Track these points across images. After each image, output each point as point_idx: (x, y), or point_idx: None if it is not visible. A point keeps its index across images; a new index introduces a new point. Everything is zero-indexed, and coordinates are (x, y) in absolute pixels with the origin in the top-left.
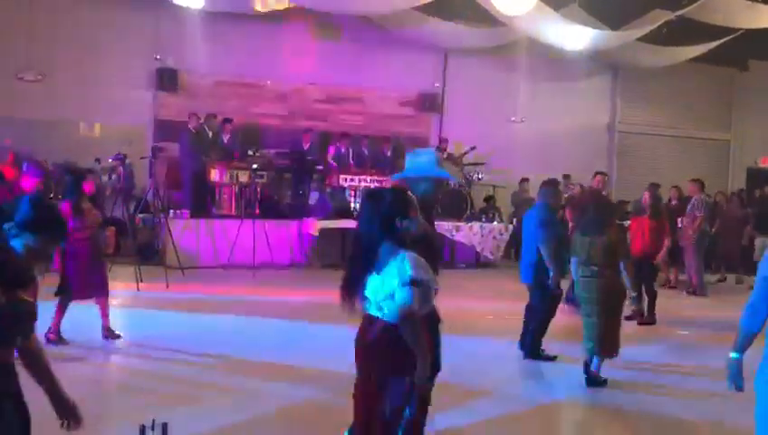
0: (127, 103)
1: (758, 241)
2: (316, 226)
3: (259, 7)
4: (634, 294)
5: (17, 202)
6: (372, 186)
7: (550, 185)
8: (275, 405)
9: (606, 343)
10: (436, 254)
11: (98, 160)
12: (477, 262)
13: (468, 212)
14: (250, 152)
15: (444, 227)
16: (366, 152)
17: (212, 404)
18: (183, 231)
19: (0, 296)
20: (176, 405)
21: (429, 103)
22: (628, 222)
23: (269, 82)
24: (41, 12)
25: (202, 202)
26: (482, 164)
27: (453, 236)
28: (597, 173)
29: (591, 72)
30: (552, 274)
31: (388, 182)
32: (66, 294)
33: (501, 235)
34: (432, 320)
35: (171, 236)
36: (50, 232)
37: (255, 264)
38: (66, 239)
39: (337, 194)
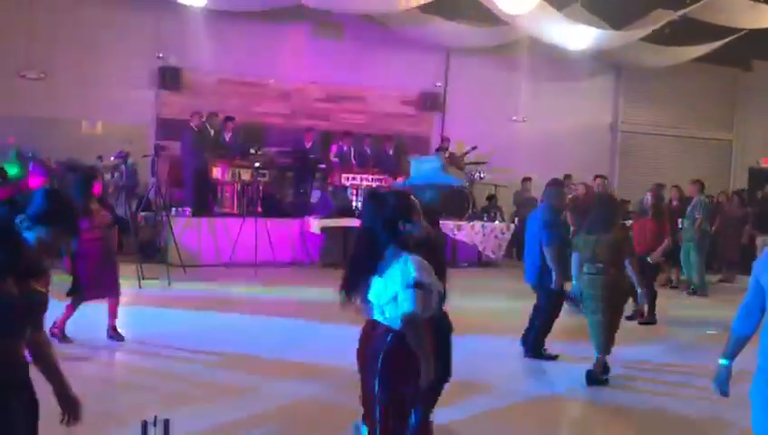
0: (129, 102)
1: (759, 240)
2: (318, 224)
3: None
4: (641, 290)
5: (31, 194)
6: (374, 184)
7: (554, 186)
8: (276, 402)
9: (605, 340)
10: (441, 259)
11: (100, 158)
12: (479, 261)
13: (470, 211)
14: (252, 151)
15: (446, 226)
16: (368, 151)
17: (213, 401)
18: (185, 229)
19: (12, 287)
20: (177, 402)
21: (431, 102)
22: (630, 222)
23: (271, 81)
24: (43, 10)
25: (204, 200)
26: (483, 163)
27: (455, 235)
28: (596, 177)
29: (594, 71)
30: (554, 276)
31: (390, 181)
32: (78, 295)
33: (503, 234)
34: (443, 327)
35: (173, 234)
36: (63, 225)
37: (257, 262)
38: (78, 234)
39: (339, 193)
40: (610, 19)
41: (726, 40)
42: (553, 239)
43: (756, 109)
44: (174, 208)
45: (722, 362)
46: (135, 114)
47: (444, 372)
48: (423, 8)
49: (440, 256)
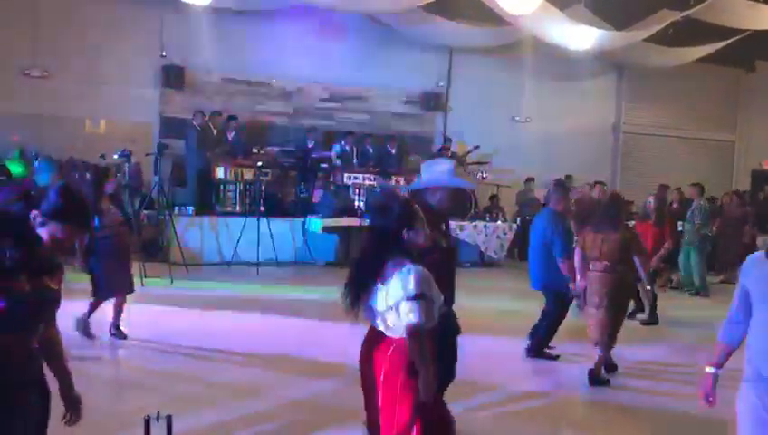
0: (132, 100)
1: (760, 240)
2: (320, 224)
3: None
4: (649, 287)
5: (44, 190)
6: (376, 184)
7: (558, 190)
8: (279, 401)
9: (610, 338)
10: (452, 264)
11: (103, 157)
12: (482, 261)
13: (472, 211)
14: (254, 150)
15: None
16: (370, 150)
17: (215, 400)
18: (187, 228)
19: (25, 284)
20: (178, 400)
21: (434, 102)
22: (633, 222)
23: (274, 80)
24: (47, 9)
25: (206, 199)
26: (486, 163)
27: (457, 235)
28: (596, 183)
29: (597, 72)
30: (570, 282)
31: (393, 181)
32: (98, 295)
33: (505, 234)
34: (449, 329)
35: (176, 232)
36: (76, 221)
37: (259, 261)
38: (91, 231)
39: (341, 192)
40: (613, 19)
41: (730, 41)
42: (565, 248)
43: (759, 110)
44: (176, 207)
45: (708, 369)
46: (138, 113)
47: (448, 373)
48: (426, 8)
49: (450, 260)
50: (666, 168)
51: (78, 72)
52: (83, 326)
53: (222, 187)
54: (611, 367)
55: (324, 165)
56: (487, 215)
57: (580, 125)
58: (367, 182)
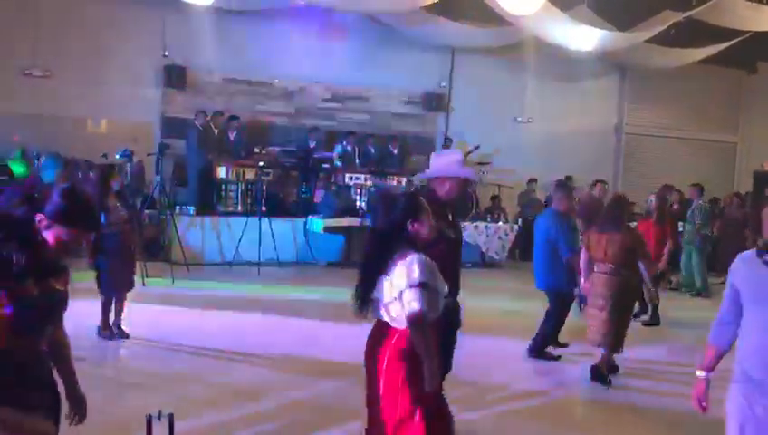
0: (134, 100)
1: (760, 241)
2: (321, 224)
3: None
4: (653, 289)
5: (47, 191)
6: (371, 184)
7: (560, 190)
8: (280, 401)
9: (615, 339)
10: (457, 254)
11: (105, 157)
12: (483, 262)
13: (474, 211)
14: (256, 150)
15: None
16: (372, 151)
17: (216, 400)
18: (188, 228)
19: (33, 288)
20: (179, 400)
21: (435, 103)
22: (635, 223)
23: (276, 80)
24: (48, 8)
25: (208, 199)
26: (487, 164)
27: None
28: (597, 181)
29: (599, 72)
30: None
31: (388, 180)
32: (103, 292)
33: (506, 235)
34: (451, 322)
35: (177, 232)
36: (83, 223)
37: (260, 261)
38: (98, 231)
39: (343, 192)
40: (615, 20)
41: (732, 42)
42: (570, 244)
43: (762, 111)
44: (178, 207)
45: (699, 373)
46: (140, 113)
47: (444, 366)
48: (428, 8)
49: (456, 252)
50: (668, 169)
51: (79, 72)
52: (109, 330)
53: (223, 187)
54: (613, 368)
55: (326, 165)
56: (489, 215)
57: (582, 126)
58: (368, 183)
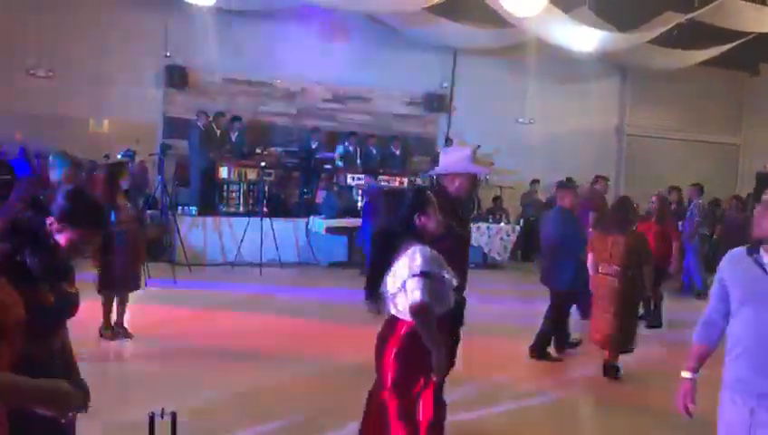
0: (136, 100)
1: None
2: (323, 224)
3: None
4: (649, 294)
5: (53, 193)
6: (365, 184)
7: (562, 187)
8: (281, 401)
9: (623, 339)
10: (465, 250)
11: (107, 157)
12: (485, 263)
13: (476, 212)
14: (258, 150)
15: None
16: (374, 151)
17: (217, 400)
18: (190, 228)
19: (50, 294)
20: (181, 400)
21: (437, 103)
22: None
23: (277, 81)
24: (51, 8)
25: (210, 199)
26: (491, 164)
27: None
28: (598, 177)
29: (601, 74)
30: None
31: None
32: (107, 291)
33: (508, 236)
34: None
35: (179, 232)
36: (93, 225)
37: (262, 261)
38: (107, 230)
39: (344, 193)
40: (617, 21)
41: (734, 44)
42: (580, 244)
43: (764, 113)
44: (180, 207)
45: (684, 374)
46: (142, 113)
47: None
48: (430, 9)
49: (464, 247)
50: (669, 170)
51: (82, 73)
52: (111, 330)
53: (225, 187)
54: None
55: (327, 166)
56: (491, 216)
57: (584, 127)
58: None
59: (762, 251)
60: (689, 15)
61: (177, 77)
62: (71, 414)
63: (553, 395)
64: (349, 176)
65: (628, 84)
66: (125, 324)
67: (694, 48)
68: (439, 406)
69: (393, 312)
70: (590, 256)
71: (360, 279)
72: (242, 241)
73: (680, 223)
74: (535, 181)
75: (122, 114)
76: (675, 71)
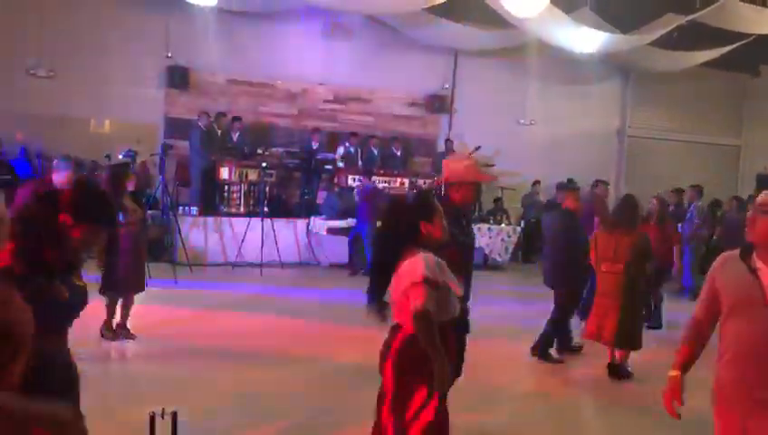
0: (138, 101)
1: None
2: (324, 225)
3: None
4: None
5: (61, 191)
6: (360, 184)
7: (564, 189)
8: (279, 401)
9: (626, 338)
10: (469, 258)
11: (108, 157)
12: (486, 264)
13: (476, 214)
14: (259, 151)
15: None
16: (375, 152)
17: (218, 400)
18: (191, 228)
19: (63, 288)
20: (181, 400)
21: (438, 104)
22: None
23: (279, 82)
24: (52, 8)
25: (211, 200)
26: (491, 166)
27: None
28: (598, 182)
29: (602, 75)
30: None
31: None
32: (111, 292)
33: (509, 237)
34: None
35: (180, 233)
36: (104, 221)
37: (263, 262)
38: (115, 226)
39: (345, 194)
40: (619, 23)
41: (735, 45)
42: (583, 245)
43: (764, 114)
44: (181, 207)
45: (671, 373)
46: (144, 113)
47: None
48: (431, 10)
49: (468, 256)
50: (671, 172)
51: (83, 73)
52: (113, 331)
53: (226, 187)
54: (617, 368)
55: (328, 166)
56: (491, 217)
57: (585, 128)
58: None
59: (754, 255)
60: (690, 17)
61: (178, 77)
62: None
63: (554, 396)
64: (349, 177)
65: (630, 86)
66: (127, 326)
67: (695, 49)
68: (441, 413)
69: (396, 319)
70: (592, 255)
71: (360, 279)
72: (243, 241)
73: (680, 225)
74: (536, 182)
75: (123, 114)
76: (676, 72)
